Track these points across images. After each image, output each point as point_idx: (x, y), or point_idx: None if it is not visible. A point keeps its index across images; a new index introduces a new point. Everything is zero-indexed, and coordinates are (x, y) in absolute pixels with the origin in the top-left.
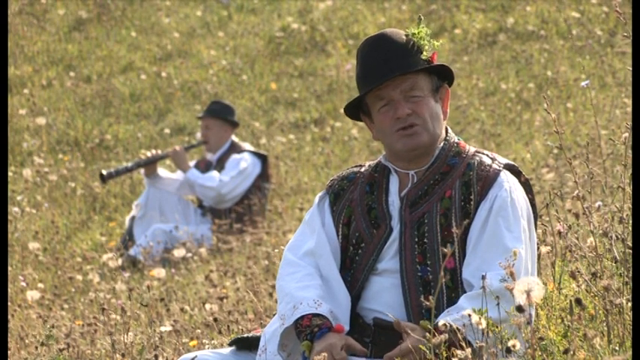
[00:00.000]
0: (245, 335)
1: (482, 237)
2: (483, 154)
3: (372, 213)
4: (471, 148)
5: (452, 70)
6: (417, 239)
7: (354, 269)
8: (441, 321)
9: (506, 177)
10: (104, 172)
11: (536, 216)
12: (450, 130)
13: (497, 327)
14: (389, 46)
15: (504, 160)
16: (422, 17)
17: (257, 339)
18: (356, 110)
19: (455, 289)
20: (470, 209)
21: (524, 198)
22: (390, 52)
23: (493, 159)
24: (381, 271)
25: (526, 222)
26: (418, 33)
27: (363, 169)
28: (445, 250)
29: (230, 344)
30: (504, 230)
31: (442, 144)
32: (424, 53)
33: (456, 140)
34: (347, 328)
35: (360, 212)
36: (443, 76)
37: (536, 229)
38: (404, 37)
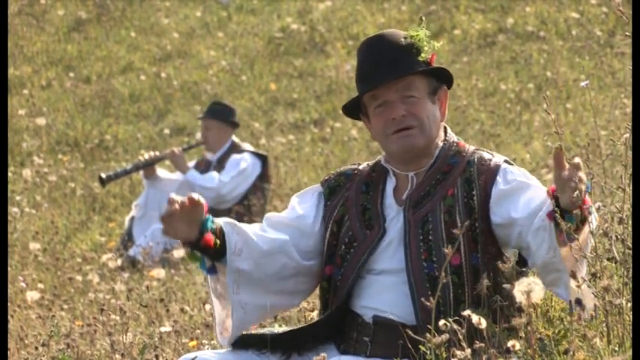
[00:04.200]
0: (242, 334)
1: (511, 191)
2: (483, 151)
3: (367, 214)
4: (470, 147)
5: (450, 72)
6: (421, 237)
7: (345, 268)
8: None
9: (506, 166)
10: (103, 175)
11: None
12: (449, 130)
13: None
14: (386, 47)
15: (503, 157)
16: (423, 18)
17: (253, 337)
18: (355, 110)
19: (461, 286)
20: (473, 205)
21: None
22: (386, 54)
23: (492, 154)
24: (379, 272)
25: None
26: (417, 35)
27: (361, 167)
28: (446, 250)
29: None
30: (527, 181)
31: (442, 144)
32: (422, 55)
33: (456, 140)
34: (263, 247)
35: (355, 212)
36: (441, 78)
37: None
38: (402, 39)
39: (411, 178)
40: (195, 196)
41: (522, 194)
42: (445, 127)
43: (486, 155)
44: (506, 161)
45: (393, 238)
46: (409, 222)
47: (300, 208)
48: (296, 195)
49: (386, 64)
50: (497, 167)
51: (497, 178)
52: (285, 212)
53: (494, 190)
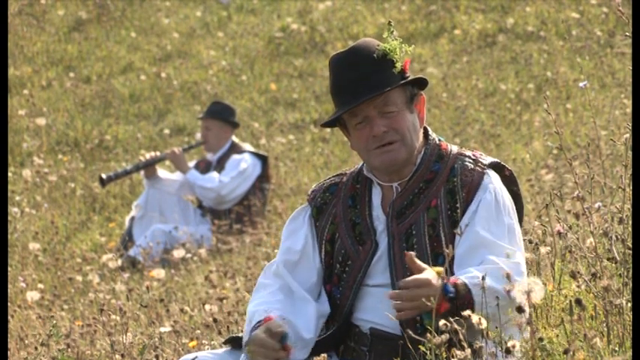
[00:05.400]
0: (240, 335)
1: (466, 239)
2: (466, 155)
3: (357, 229)
4: (452, 149)
5: (425, 79)
6: (406, 251)
7: (342, 286)
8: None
9: (489, 179)
10: (104, 175)
11: (522, 206)
12: (430, 131)
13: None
14: (360, 64)
15: (487, 160)
16: (392, 23)
17: None
18: (332, 120)
19: None
20: (457, 217)
21: (509, 198)
22: (361, 70)
23: (476, 161)
24: (373, 285)
25: (513, 221)
26: (389, 47)
27: (344, 179)
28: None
29: (225, 343)
30: (486, 232)
31: (424, 149)
32: (397, 65)
33: (437, 142)
34: (310, 336)
35: (345, 229)
36: (417, 83)
37: (521, 221)
38: (374, 54)
39: (395, 188)
40: (278, 328)
41: (479, 253)
42: (426, 129)
43: (469, 164)
44: (491, 166)
45: (383, 251)
46: (393, 234)
47: (299, 239)
48: (288, 222)
49: (362, 82)
50: (480, 180)
51: (474, 202)
52: (287, 249)
53: (468, 210)
